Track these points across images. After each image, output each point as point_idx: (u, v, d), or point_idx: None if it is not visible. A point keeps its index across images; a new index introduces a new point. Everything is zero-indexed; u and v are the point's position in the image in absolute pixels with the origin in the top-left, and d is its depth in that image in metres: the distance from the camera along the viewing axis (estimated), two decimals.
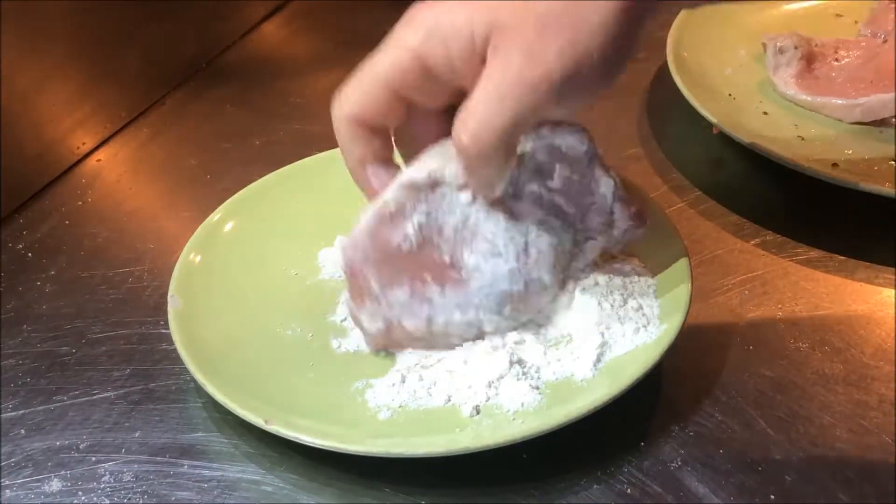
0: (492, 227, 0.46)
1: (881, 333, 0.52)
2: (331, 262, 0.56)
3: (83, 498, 0.46)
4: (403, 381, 0.47)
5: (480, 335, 0.49)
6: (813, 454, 0.46)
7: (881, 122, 0.64)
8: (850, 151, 0.62)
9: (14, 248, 0.62)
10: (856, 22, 0.76)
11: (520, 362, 0.47)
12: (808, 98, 0.66)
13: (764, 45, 0.71)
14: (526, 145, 0.46)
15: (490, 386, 0.46)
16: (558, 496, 0.45)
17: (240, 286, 0.54)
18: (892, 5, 0.74)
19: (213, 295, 0.53)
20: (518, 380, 0.46)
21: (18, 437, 0.49)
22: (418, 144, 0.47)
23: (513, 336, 0.49)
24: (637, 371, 0.45)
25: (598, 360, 0.48)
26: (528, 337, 0.49)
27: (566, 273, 0.49)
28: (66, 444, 0.49)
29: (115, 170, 0.69)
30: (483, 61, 0.41)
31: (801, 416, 0.48)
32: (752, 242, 0.59)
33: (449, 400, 0.46)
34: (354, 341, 0.51)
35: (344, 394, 0.48)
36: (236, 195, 0.59)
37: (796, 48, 0.68)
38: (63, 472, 0.47)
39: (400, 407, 0.46)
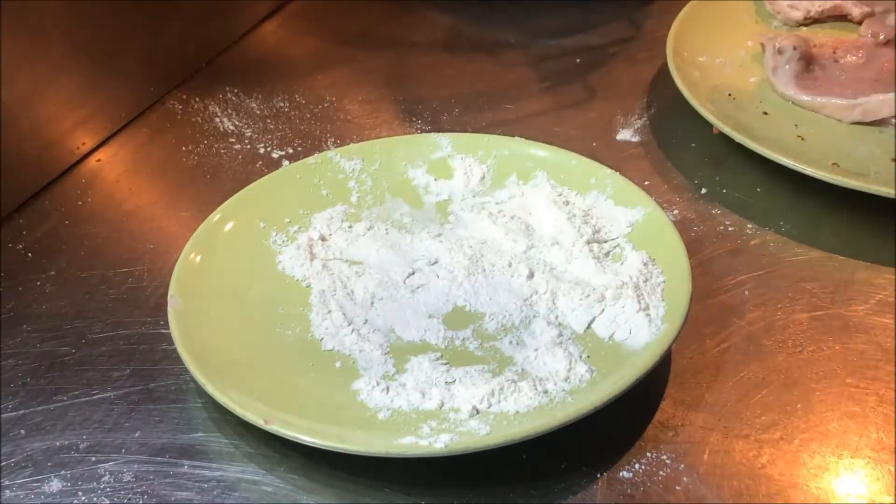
0: None
1: (881, 333, 0.52)
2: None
3: (83, 498, 0.46)
4: (404, 385, 0.47)
5: None
6: (813, 454, 0.46)
7: (881, 122, 0.64)
8: (850, 151, 0.62)
9: (14, 248, 0.62)
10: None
11: (521, 373, 0.47)
12: (808, 98, 0.66)
13: (763, 46, 0.71)
14: None
15: (493, 393, 0.46)
16: (558, 496, 0.45)
17: (240, 286, 0.54)
18: (892, 6, 0.74)
19: (213, 295, 0.53)
20: (519, 382, 0.46)
21: (18, 437, 0.49)
22: None
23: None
24: (637, 371, 0.45)
25: (599, 359, 0.48)
26: (530, 340, 0.49)
27: None
28: (66, 444, 0.49)
29: (114, 170, 0.69)
30: None
31: (800, 416, 0.48)
32: (752, 242, 0.59)
33: (449, 401, 0.46)
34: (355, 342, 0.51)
35: (344, 394, 0.48)
36: (236, 195, 0.59)
37: (795, 49, 0.68)
38: (63, 472, 0.47)
39: (400, 407, 0.46)
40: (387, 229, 0.58)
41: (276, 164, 0.68)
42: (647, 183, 0.63)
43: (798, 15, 0.75)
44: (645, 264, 0.52)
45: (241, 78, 0.78)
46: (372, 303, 0.54)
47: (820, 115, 0.66)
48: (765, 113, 0.66)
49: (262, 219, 0.58)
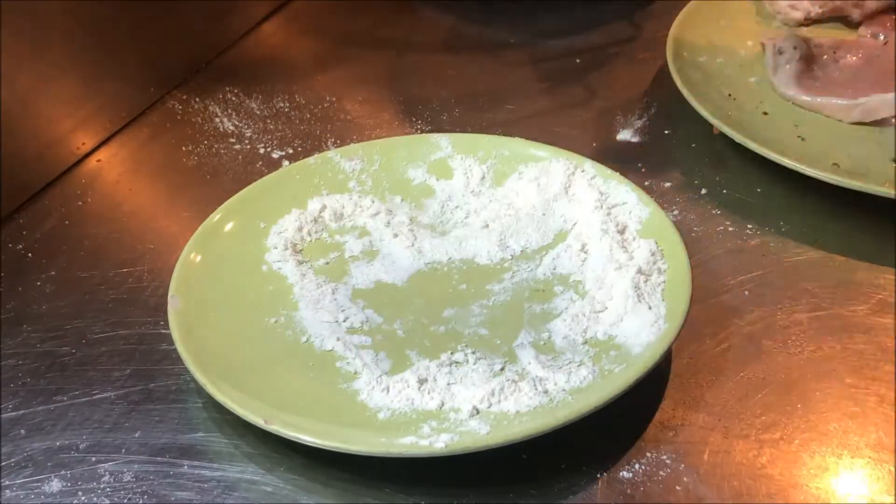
0: None
1: (881, 333, 0.52)
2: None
3: (83, 498, 0.46)
4: (404, 384, 0.47)
5: None
6: (813, 454, 0.46)
7: (881, 122, 0.64)
8: (850, 151, 0.62)
9: (14, 248, 0.62)
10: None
11: (521, 373, 0.47)
12: (808, 98, 0.66)
13: (763, 46, 0.71)
14: None
15: (493, 393, 0.46)
16: (558, 496, 0.45)
17: (240, 286, 0.54)
18: (892, 6, 0.74)
19: (213, 295, 0.53)
20: (519, 382, 0.46)
21: (18, 437, 0.49)
22: None
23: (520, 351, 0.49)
24: (637, 371, 0.46)
25: (599, 359, 0.48)
26: (531, 350, 0.49)
27: None
28: (66, 444, 0.49)
29: (115, 170, 0.69)
30: None
31: (800, 416, 0.48)
32: (752, 242, 0.59)
33: (449, 401, 0.46)
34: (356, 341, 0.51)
35: (344, 394, 0.48)
36: (236, 195, 0.59)
37: (795, 49, 0.68)
38: (63, 472, 0.47)
39: (400, 407, 0.46)
40: (386, 225, 0.58)
41: (276, 164, 0.68)
42: (647, 183, 0.63)
43: (798, 15, 0.75)
44: (653, 253, 0.52)
45: (241, 78, 0.78)
46: (372, 303, 0.54)
47: (820, 115, 0.66)
48: (765, 113, 0.66)
49: (262, 219, 0.58)
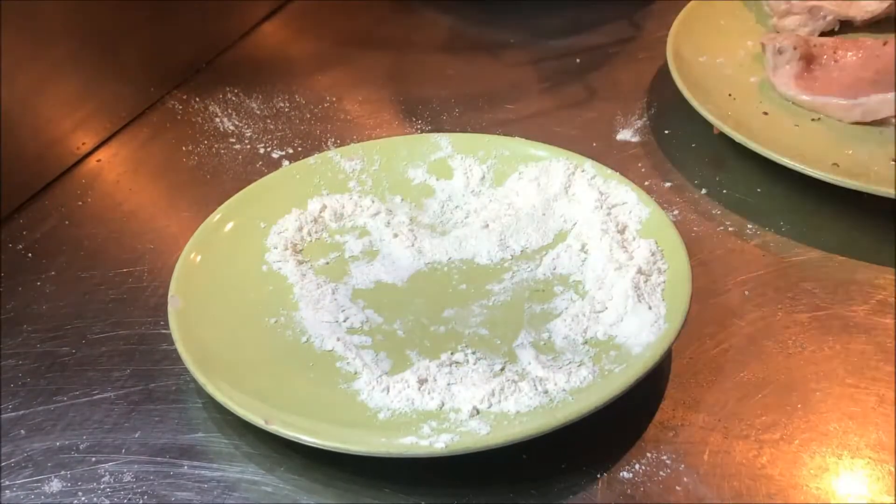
0: None
1: (881, 334, 0.52)
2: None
3: (83, 498, 0.46)
4: (404, 385, 0.47)
5: None
6: (813, 454, 0.46)
7: (881, 122, 0.64)
8: (850, 151, 0.62)
9: (14, 248, 0.62)
10: None
11: (521, 373, 0.47)
12: (808, 98, 0.66)
13: (763, 46, 0.71)
14: None
15: (493, 393, 0.46)
16: (558, 496, 0.45)
17: (240, 286, 0.54)
18: (893, 6, 0.74)
19: (213, 295, 0.53)
20: (520, 382, 0.46)
21: (18, 437, 0.49)
22: None
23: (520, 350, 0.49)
24: (637, 371, 0.46)
25: (599, 359, 0.48)
26: (531, 350, 0.49)
27: None
28: (66, 445, 0.49)
29: (115, 170, 0.69)
30: None
31: (801, 416, 0.48)
32: (752, 242, 0.59)
33: (449, 401, 0.46)
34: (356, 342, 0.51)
35: (344, 394, 0.48)
36: (236, 195, 0.59)
37: (795, 49, 0.68)
38: (63, 473, 0.47)
39: (400, 407, 0.46)
40: (386, 225, 0.58)
41: (276, 164, 0.68)
42: (647, 183, 0.63)
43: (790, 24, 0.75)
44: (653, 253, 0.52)
45: (241, 78, 0.78)
46: (372, 303, 0.54)
47: (820, 115, 0.66)
48: (765, 113, 0.66)
49: (262, 219, 0.58)
